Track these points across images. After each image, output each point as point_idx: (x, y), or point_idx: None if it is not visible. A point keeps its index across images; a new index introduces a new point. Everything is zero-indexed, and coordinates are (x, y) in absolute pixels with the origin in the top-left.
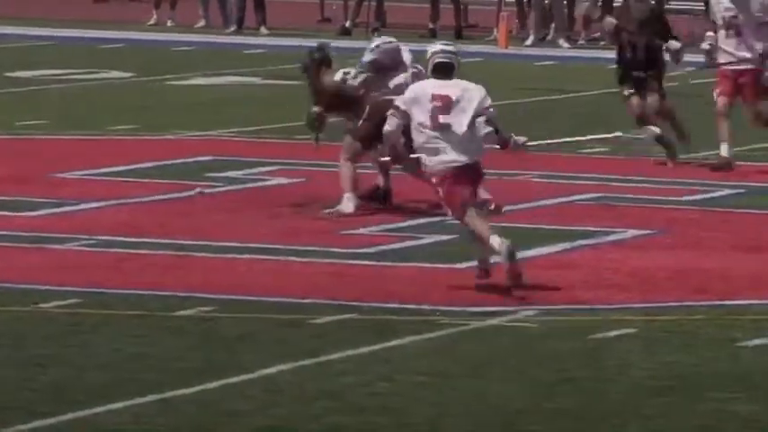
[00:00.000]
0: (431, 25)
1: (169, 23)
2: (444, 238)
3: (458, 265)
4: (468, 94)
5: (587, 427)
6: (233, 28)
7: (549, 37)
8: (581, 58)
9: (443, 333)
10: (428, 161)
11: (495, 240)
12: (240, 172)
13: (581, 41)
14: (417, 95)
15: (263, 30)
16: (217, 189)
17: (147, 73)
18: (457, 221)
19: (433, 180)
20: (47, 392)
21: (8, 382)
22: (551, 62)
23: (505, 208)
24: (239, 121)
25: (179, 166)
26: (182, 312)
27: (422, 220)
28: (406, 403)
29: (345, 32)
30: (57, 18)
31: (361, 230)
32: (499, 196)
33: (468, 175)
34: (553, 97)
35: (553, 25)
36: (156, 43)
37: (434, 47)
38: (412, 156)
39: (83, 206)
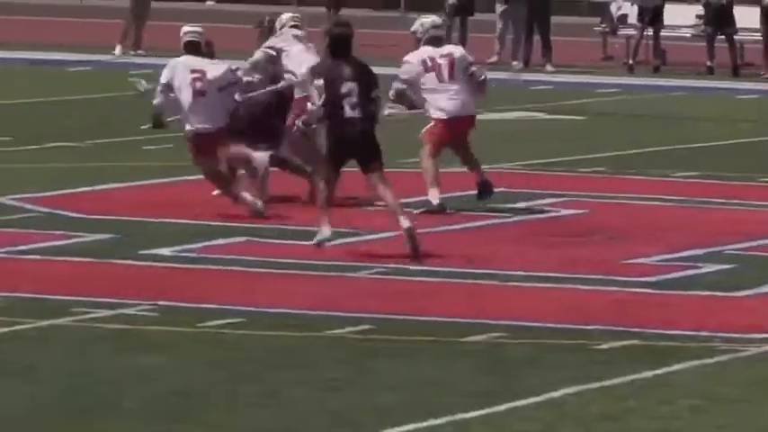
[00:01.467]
0: (708, 63)
1: None
2: (724, 267)
3: (735, 294)
4: None
5: None
6: (520, 65)
7: None
8: None
9: (722, 359)
10: None
11: None
12: (528, 203)
13: None
14: None
15: (549, 67)
16: (505, 220)
17: None
18: None
19: None
20: (340, 415)
21: (302, 403)
22: None
23: None
24: (527, 154)
25: (469, 197)
26: (471, 338)
27: (700, 251)
28: (687, 427)
29: (629, 70)
30: None
31: (642, 260)
32: None
33: None
34: None
35: None
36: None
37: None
38: None
39: (374, 236)
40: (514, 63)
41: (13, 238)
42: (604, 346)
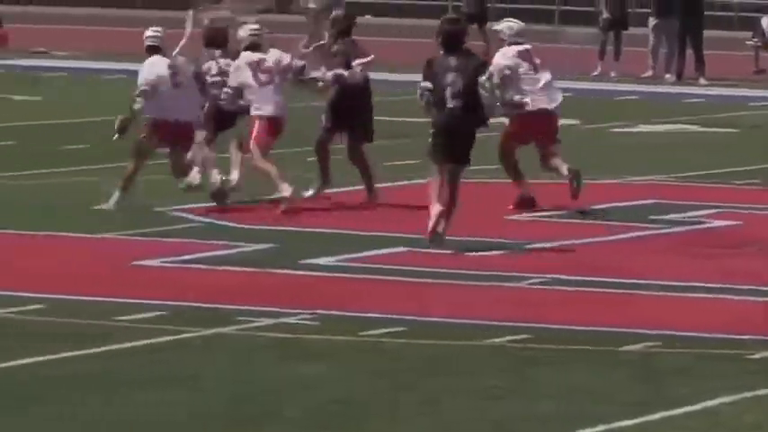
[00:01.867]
0: None
1: (612, 74)
2: None
3: None
4: None
5: None
6: (673, 78)
7: None
8: None
9: None
10: None
11: None
12: (681, 215)
13: None
14: None
15: (702, 81)
16: (659, 231)
17: (591, 121)
18: None
19: None
20: (501, 424)
21: (462, 412)
22: None
23: None
24: (681, 166)
25: (624, 208)
26: (627, 347)
27: None
28: None
29: None
30: None
31: None
32: None
33: None
34: None
35: None
36: (599, 92)
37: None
38: None
39: (534, 246)
40: (667, 76)
41: (177, 248)
42: (758, 356)
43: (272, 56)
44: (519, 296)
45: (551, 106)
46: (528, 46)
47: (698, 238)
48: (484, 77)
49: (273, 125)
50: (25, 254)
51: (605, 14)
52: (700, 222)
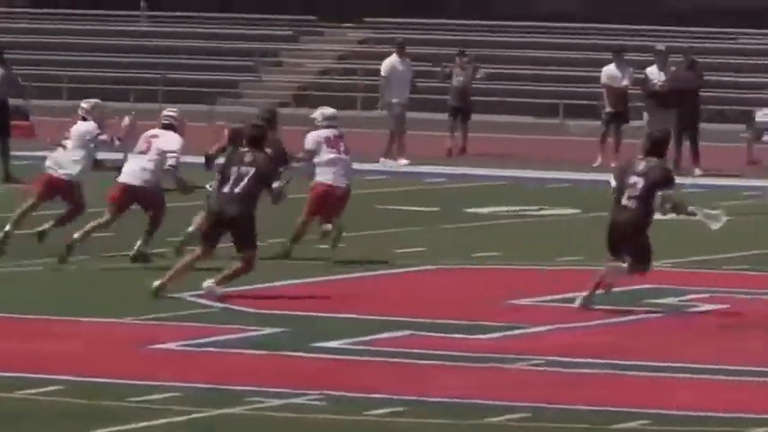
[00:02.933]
0: None
1: (613, 165)
2: None
3: None
4: None
5: None
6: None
7: None
8: None
9: None
10: None
11: None
12: (675, 299)
13: None
14: None
15: (698, 171)
16: (654, 315)
17: (593, 209)
18: None
19: None
20: None
21: None
22: None
23: None
24: (675, 252)
25: (620, 293)
26: (618, 425)
27: None
28: None
29: None
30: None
31: None
32: None
33: None
34: None
35: None
36: (599, 182)
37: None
38: None
39: (532, 329)
40: None
41: (191, 332)
42: None
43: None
44: (517, 377)
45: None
46: (336, 131)
47: (690, 321)
48: None
49: None
50: (52, 337)
51: (607, 108)
52: (692, 306)
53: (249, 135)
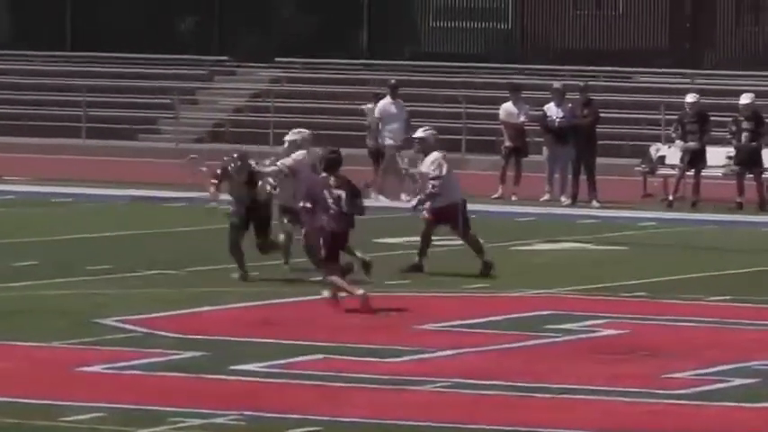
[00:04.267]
0: (738, 199)
1: (513, 198)
2: (751, 380)
3: (760, 404)
4: None
5: None
6: (568, 201)
7: None
8: None
9: None
10: None
11: None
12: (575, 324)
13: None
14: None
15: (595, 203)
16: (556, 339)
17: (493, 240)
18: None
19: None
20: None
21: None
22: None
23: None
24: (575, 280)
25: (523, 319)
26: None
27: (729, 366)
28: None
29: (669, 205)
30: None
31: (678, 375)
32: None
33: None
34: None
35: None
36: (502, 214)
37: None
38: None
39: (439, 353)
40: (563, 199)
41: (115, 356)
42: None
43: None
44: (424, 399)
45: None
46: None
47: (590, 346)
48: None
49: None
50: None
51: (507, 143)
52: (592, 331)
53: (326, 159)
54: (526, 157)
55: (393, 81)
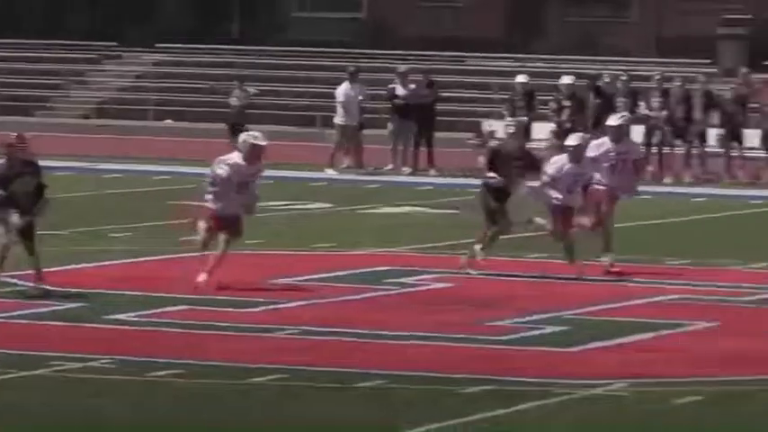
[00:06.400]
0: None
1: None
2: (560, 329)
3: (569, 349)
4: None
5: None
6: (409, 170)
7: None
8: None
9: (558, 400)
10: None
11: None
12: (411, 278)
13: None
14: None
15: (433, 172)
16: (393, 291)
17: (342, 204)
18: None
19: None
20: None
21: None
22: None
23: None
24: (413, 240)
25: (365, 274)
26: (363, 384)
27: (544, 315)
28: None
29: None
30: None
31: (500, 323)
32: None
33: None
34: None
35: None
36: (351, 182)
37: None
38: None
39: (290, 304)
40: (404, 168)
41: (4, 306)
42: (468, 390)
43: None
44: (276, 344)
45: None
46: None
47: (422, 297)
48: None
49: None
50: None
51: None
52: (424, 285)
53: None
54: (361, 131)
55: (352, 68)
